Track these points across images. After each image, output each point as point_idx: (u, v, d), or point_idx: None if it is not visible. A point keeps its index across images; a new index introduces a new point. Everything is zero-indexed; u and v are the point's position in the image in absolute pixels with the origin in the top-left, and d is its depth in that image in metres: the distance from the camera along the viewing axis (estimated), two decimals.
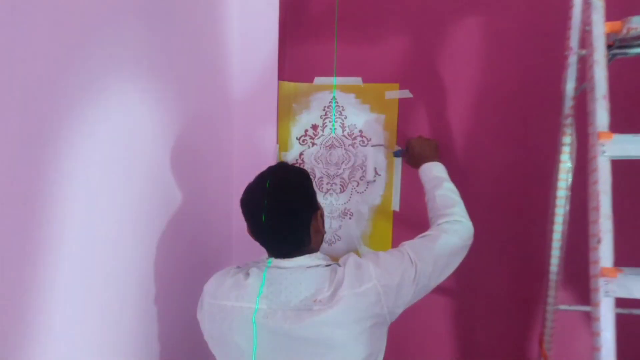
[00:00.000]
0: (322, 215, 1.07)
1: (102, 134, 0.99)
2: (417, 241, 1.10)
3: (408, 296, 1.01)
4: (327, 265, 1.03)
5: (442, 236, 1.09)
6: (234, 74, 1.59)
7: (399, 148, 1.55)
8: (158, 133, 1.22)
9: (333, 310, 0.94)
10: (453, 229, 1.11)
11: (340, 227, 1.64)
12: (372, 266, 1.00)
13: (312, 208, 1.05)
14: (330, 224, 1.64)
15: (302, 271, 1.00)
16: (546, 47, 1.40)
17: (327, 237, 1.65)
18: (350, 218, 1.63)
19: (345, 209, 1.63)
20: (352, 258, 1.03)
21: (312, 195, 1.07)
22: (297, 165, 1.62)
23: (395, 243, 1.61)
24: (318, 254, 1.05)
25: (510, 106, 1.46)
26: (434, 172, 1.29)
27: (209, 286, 1.05)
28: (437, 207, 1.18)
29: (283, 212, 1.00)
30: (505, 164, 1.49)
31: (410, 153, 1.42)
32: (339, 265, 1.03)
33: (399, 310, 1.02)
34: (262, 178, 1.05)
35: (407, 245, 1.08)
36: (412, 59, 1.52)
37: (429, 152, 1.37)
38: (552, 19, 1.39)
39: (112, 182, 1.04)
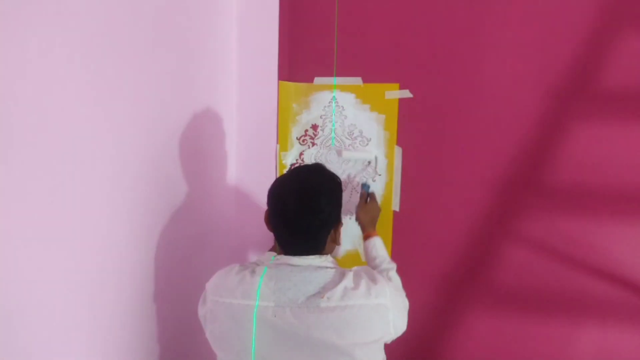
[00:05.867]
0: (341, 228, 1.10)
1: (101, 134, 0.99)
2: (393, 284, 1.14)
3: (402, 329, 1.07)
4: (334, 268, 1.04)
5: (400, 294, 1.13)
6: (234, 74, 1.59)
7: (368, 185, 1.56)
8: (158, 133, 1.22)
9: (344, 314, 0.95)
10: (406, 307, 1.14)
11: None
12: (386, 286, 1.03)
13: (337, 217, 1.08)
14: None
15: (311, 270, 1.00)
16: (547, 47, 1.41)
17: None
18: (350, 218, 1.63)
19: (345, 209, 1.63)
20: (367, 270, 1.06)
21: (340, 205, 1.09)
22: (298, 165, 1.62)
23: (396, 243, 1.61)
24: (328, 257, 1.06)
25: (511, 105, 1.47)
26: (380, 251, 1.32)
27: (212, 284, 1.05)
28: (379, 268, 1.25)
29: (312, 210, 1.01)
30: (506, 163, 1.49)
31: (365, 207, 1.47)
32: (350, 271, 1.04)
33: (398, 334, 1.06)
34: (297, 172, 1.09)
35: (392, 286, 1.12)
36: (412, 59, 1.52)
37: (370, 221, 1.43)
38: (554, 19, 1.40)
39: (112, 181, 1.04)
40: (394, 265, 1.27)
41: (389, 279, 1.18)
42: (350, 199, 1.62)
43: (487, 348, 1.59)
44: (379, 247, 1.33)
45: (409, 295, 1.14)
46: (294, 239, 1.03)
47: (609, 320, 1.47)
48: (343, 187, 1.61)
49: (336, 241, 1.09)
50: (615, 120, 1.40)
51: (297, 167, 1.08)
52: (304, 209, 1.00)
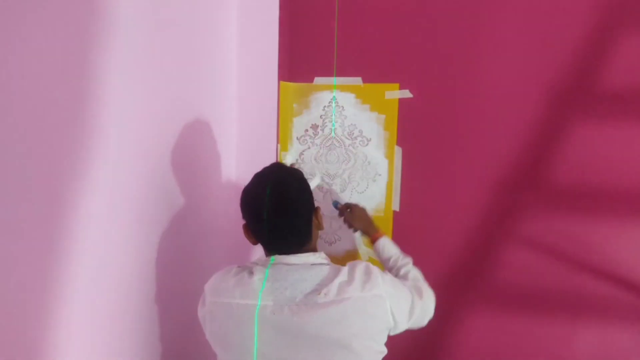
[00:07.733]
0: (320, 212, 1.11)
1: (102, 134, 0.99)
2: (408, 283, 1.18)
3: (406, 320, 1.07)
4: (328, 265, 1.05)
5: (425, 295, 1.17)
6: (234, 74, 1.59)
7: (337, 201, 1.58)
8: (158, 133, 1.22)
9: (340, 307, 0.96)
10: (430, 297, 1.19)
11: (340, 227, 1.64)
12: (380, 277, 1.03)
13: (312, 205, 1.09)
14: (330, 224, 1.64)
15: (307, 268, 1.01)
16: (547, 47, 1.41)
17: (327, 237, 1.65)
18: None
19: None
20: (362, 264, 1.06)
21: (310, 193, 1.10)
22: (298, 164, 1.62)
23: (396, 243, 1.61)
24: (321, 253, 1.07)
25: (511, 105, 1.47)
26: (391, 250, 1.36)
27: (211, 285, 1.05)
28: (409, 279, 1.24)
29: (288, 211, 1.03)
30: (506, 163, 1.50)
31: (354, 216, 1.49)
32: (344, 267, 1.04)
33: (401, 328, 1.07)
34: (261, 178, 1.08)
35: (406, 281, 1.18)
36: (412, 59, 1.52)
37: (367, 224, 1.45)
38: (554, 19, 1.40)
39: (111, 183, 1.04)
40: (409, 260, 1.30)
41: (406, 279, 1.21)
42: (350, 198, 1.63)
43: (487, 348, 1.59)
44: (388, 247, 1.36)
45: None
46: (282, 242, 1.04)
47: (609, 320, 1.47)
48: (343, 187, 1.63)
49: (320, 226, 1.11)
50: (615, 120, 1.40)
51: (258, 174, 1.09)
52: (285, 215, 1.02)
